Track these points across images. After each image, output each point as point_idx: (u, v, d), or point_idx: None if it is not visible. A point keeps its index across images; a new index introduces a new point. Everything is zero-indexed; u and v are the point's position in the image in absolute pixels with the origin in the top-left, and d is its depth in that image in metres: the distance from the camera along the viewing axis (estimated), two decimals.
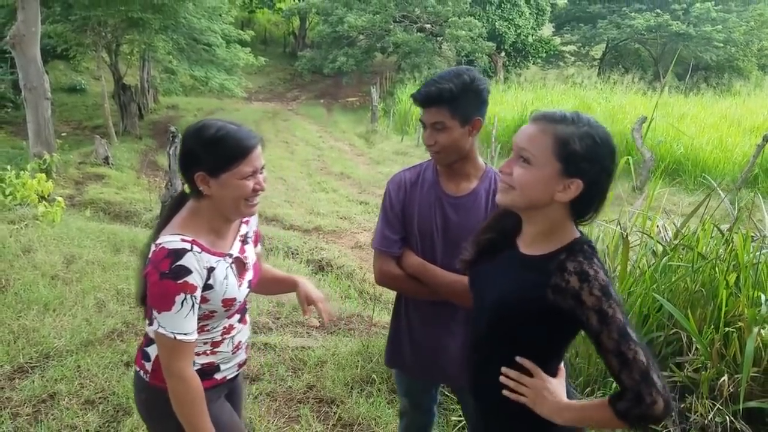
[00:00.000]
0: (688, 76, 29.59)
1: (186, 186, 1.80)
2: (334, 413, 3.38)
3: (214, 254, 1.74)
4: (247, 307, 1.99)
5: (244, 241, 1.91)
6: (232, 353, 1.94)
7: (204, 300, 1.72)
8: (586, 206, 1.51)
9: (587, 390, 3.20)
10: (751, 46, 31.67)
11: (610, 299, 1.39)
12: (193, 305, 1.67)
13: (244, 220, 1.92)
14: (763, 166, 10.68)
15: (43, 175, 8.31)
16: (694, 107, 17.22)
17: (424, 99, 1.96)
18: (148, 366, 1.83)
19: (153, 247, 1.68)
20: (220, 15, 17.91)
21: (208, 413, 1.75)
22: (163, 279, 1.63)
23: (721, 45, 29.77)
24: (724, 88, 27.95)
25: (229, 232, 1.85)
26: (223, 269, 1.76)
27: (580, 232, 1.57)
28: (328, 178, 12.62)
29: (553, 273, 1.46)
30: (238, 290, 1.82)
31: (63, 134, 15.41)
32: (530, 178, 1.46)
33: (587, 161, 1.44)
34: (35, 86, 9.74)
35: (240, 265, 1.86)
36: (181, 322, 1.65)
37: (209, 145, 1.68)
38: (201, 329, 1.79)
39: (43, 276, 5.19)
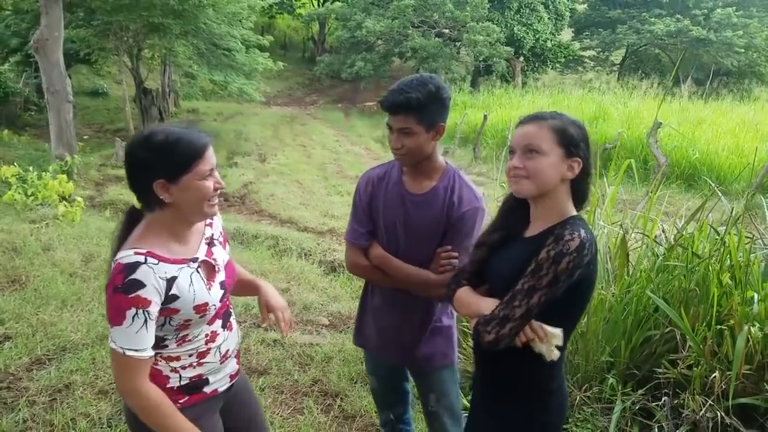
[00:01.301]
0: (708, 82, 29.36)
1: (136, 200, 1.75)
2: (338, 405, 3.50)
3: (174, 262, 1.71)
4: (230, 311, 1.98)
5: (211, 244, 1.89)
6: (221, 363, 1.90)
7: (174, 311, 1.70)
8: (583, 182, 1.78)
9: (585, 386, 3.27)
10: None
11: (554, 265, 1.61)
12: (146, 320, 1.62)
13: (207, 222, 1.91)
14: None
15: (65, 176, 8.53)
16: (712, 113, 17.11)
17: (392, 106, 2.10)
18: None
19: (113, 265, 1.65)
20: (240, 21, 18.11)
21: (179, 414, 1.72)
22: (115, 293, 1.60)
23: (742, 50, 29.56)
24: (744, 93, 27.70)
25: (193, 236, 1.83)
26: (187, 276, 1.73)
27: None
28: (343, 182, 12.73)
29: (546, 240, 1.67)
30: (209, 294, 1.79)
31: (85, 137, 15.73)
32: (542, 165, 1.70)
33: (582, 141, 1.73)
34: (58, 90, 9.98)
35: (208, 267, 1.83)
36: (132, 337, 1.61)
37: (164, 150, 1.66)
38: (182, 340, 1.78)
39: (62, 273, 5.35)
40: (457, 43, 26.83)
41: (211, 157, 1.73)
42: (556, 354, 1.68)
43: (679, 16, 30.45)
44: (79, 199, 7.61)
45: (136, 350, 1.63)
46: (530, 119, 1.76)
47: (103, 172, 12.11)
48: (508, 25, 27.84)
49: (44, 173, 8.44)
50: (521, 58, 29.53)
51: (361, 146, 18.04)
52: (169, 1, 13.62)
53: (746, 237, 3.44)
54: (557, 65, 32.33)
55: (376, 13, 26.22)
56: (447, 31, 26.45)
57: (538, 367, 1.76)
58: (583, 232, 1.63)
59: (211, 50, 17.27)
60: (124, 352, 1.62)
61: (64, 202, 7.67)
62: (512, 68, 28.95)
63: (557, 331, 1.68)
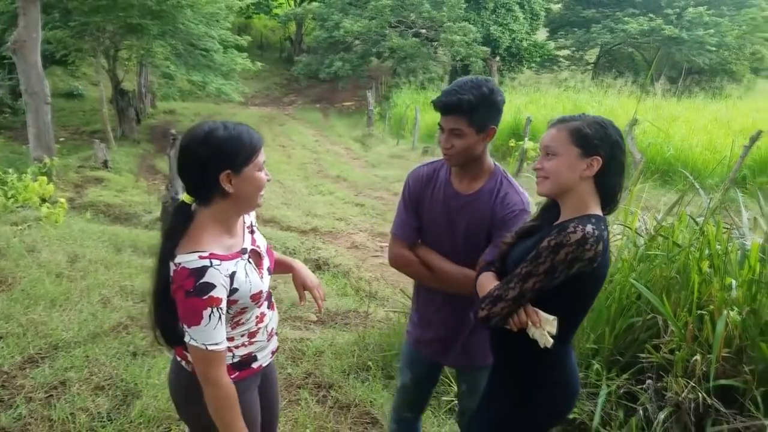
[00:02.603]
0: (681, 80, 29.84)
1: (186, 195, 1.81)
2: (332, 396, 3.57)
3: (232, 258, 1.81)
4: (272, 292, 2.09)
5: (252, 231, 2.00)
6: (267, 341, 2.04)
7: (233, 302, 1.82)
8: (611, 180, 1.83)
9: None
10: (743, 49, 31.96)
11: (553, 255, 1.70)
12: (220, 316, 1.75)
13: None
14: (751, 167, 10.92)
15: (44, 178, 8.48)
16: (685, 110, 17.42)
17: (444, 107, 2.12)
18: (191, 357, 1.88)
19: (173, 266, 1.73)
20: (218, 21, 18.08)
21: (241, 415, 1.84)
22: (189, 297, 1.70)
23: (714, 49, 30.06)
24: (716, 91, 28.20)
25: (238, 227, 1.92)
26: (242, 268, 1.84)
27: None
28: (324, 181, 12.79)
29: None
30: (262, 282, 1.91)
31: (61, 139, 15.62)
32: (558, 166, 1.81)
33: (599, 139, 1.79)
34: (36, 91, 9.93)
35: (256, 256, 1.95)
36: (210, 333, 1.73)
37: (231, 143, 1.75)
38: (236, 324, 1.91)
39: (49, 274, 5.35)
40: (434, 43, 26.99)
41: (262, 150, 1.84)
42: (549, 341, 1.75)
43: (651, 15, 30.89)
44: (62, 200, 7.59)
45: (215, 344, 1.75)
46: (554, 123, 1.87)
47: (82, 173, 12.06)
48: (485, 24, 28.02)
49: (23, 175, 8.38)
50: (497, 58, 29.72)
51: (341, 146, 18.10)
52: (147, 1, 13.56)
53: (724, 227, 3.57)
54: (533, 65, 32.58)
55: (353, 13, 26.28)
56: (424, 31, 26.60)
57: (537, 357, 1.83)
58: (589, 228, 1.69)
59: (189, 50, 17.24)
60: (206, 348, 1.74)
61: (46, 203, 7.64)
62: (489, 68, 29.11)
63: (551, 318, 1.75)
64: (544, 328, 1.75)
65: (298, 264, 2.24)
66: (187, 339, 1.76)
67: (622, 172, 1.85)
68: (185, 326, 1.75)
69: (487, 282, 1.94)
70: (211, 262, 1.73)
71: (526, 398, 1.94)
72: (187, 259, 1.72)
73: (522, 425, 1.97)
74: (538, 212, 2.03)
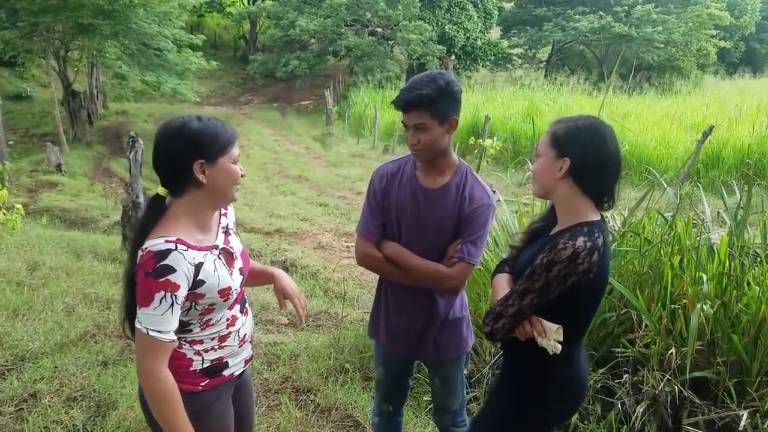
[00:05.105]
0: (631, 76, 30.52)
1: (160, 188, 1.80)
2: (312, 400, 3.55)
3: (200, 249, 1.78)
4: (245, 297, 2.06)
5: (227, 233, 1.96)
6: (239, 347, 1.99)
7: (200, 296, 1.78)
8: (590, 181, 1.81)
9: None
10: (690, 46, 32.90)
11: (546, 272, 1.74)
12: (172, 304, 1.70)
13: (222, 212, 1.97)
14: (703, 161, 11.22)
15: None
16: (637, 106, 17.79)
17: (405, 104, 2.15)
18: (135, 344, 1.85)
19: (140, 252, 1.72)
20: (171, 20, 17.74)
21: (184, 411, 1.76)
22: (146, 277, 1.68)
23: (662, 45, 30.89)
24: (665, 87, 28.93)
25: (212, 225, 1.90)
26: (212, 262, 1.80)
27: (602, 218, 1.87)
28: (286, 181, 12.69)
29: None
30: (231, 279, 1.87)
31: (11, 142, 15.11)
32: (538, 167, 1.88)
33: (567, 141, 1.80)
34: None
35: (227, 255, 1.91)
36: (157, 318, 1.69)
37: (206, 133, 1.75)
38: (206, 324, 1.87)
39: (9, 282, 5.17)
40: (390, 42, 27.04)
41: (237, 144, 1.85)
42: (557, 348, 1.78)
43: (602, 13, 31.57)
44: (19, 206, 7.34)
45: (159, 331, 1.70)
46: (550, 125, 1.90)
47: (35, 177, 11.73)
48: (440, 23, 28.20)
49: None
50: (453, 57, 29.97)
51: (301, 146, 17.99)
52: (98, 1, 13.25)
53: (693, 222, 3.67)
54: (487, 63, 32.96)
55: (308, 11, 26.13)
56: (380, 29, 26.63)
57: (546, 357, 1.85)
58: (579, 241, 1.71)
59: (141, 50, 16.90)
60: (147, 332, 1.69)
61: (1, 210, 7.39)
62: (445, 66, 29.27)
63: (555, 327, 1.78)
64: (550, 337, 1.78)
65: (278, 272, 2.22)
66: (136, 322, 1.72)
67: (605, 172, 1.82)
68: (137, 308, 1.71)
69: (500, 285, 1.98)
70: (176, 246, 1.71)
71: (535, 397, 1.97)
72: (153, 243, 1.71)
73: (530, 423, 2.00)
74: (545, 212, 2.07)
